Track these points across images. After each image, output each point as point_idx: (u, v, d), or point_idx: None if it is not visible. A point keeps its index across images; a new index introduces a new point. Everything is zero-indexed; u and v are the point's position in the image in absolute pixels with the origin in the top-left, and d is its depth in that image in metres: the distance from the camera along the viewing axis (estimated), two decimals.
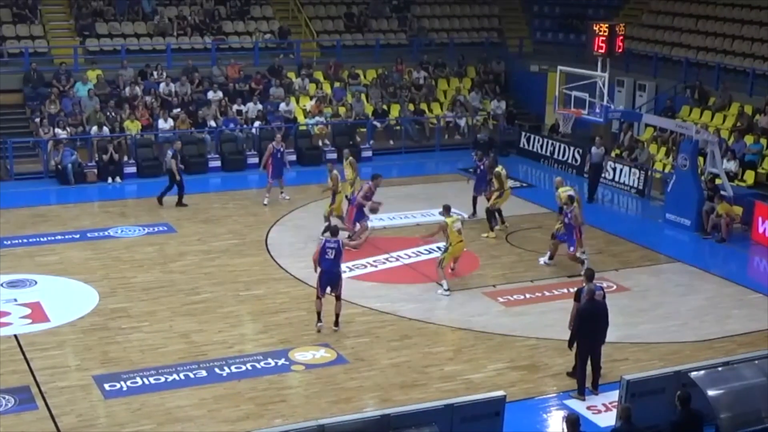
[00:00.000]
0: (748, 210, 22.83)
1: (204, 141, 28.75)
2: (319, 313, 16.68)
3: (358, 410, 13.65)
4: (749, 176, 25.37)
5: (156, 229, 22.47)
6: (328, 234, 17.29)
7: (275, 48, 33.33)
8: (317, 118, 30.31)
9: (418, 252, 21.10)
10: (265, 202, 24.33)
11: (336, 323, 16.73)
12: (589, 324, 14.27)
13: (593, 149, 25.79)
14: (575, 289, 15.37)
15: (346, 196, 22.25)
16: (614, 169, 27.07)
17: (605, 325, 14.47)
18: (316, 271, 16.75)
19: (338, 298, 16.68)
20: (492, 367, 15.54)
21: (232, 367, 15.27)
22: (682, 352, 16.21)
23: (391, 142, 31.38)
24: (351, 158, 23.60)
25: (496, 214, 22.45)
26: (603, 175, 26.38)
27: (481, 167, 23.14)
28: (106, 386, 14.54)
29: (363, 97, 31.84)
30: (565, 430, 11.29)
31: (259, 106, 30.16)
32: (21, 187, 26.20)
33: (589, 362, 14.43)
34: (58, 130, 27.32)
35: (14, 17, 30.99)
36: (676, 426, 11.76)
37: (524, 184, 26.56)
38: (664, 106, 29.31)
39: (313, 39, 33.88)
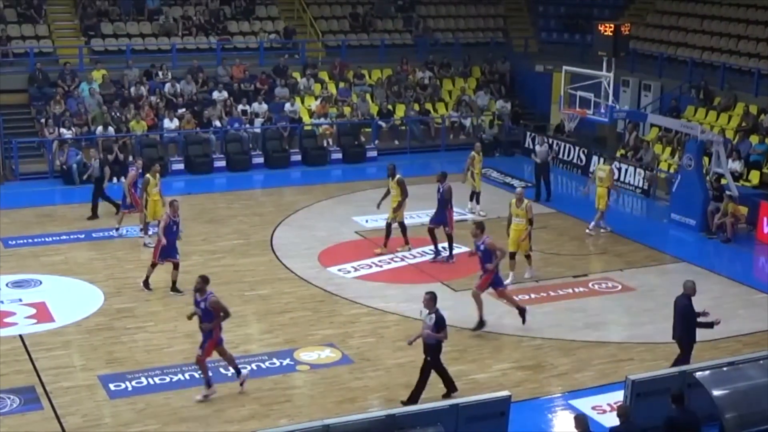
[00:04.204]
0: (753, 210, 22.79)
1: (209, 141, 28.80)
2: (148, 277, 18.42)
3: (363, 410, 13.65)
4: (754, 176, 25.33)
5: None
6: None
7: (280, 48, 33.36)
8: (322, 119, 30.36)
9: (423, 252, 21.10)
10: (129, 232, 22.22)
11: (173, 288, 18.23)
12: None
13: (537, 147, 25.51)
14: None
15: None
16: (619, 169, 27.03)
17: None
18: (162, 241, 18.05)
19: (176, 266, 18.31)
20: (497, 367, 15.53)
21: None
22: None
23: (396, 142, 31.38)
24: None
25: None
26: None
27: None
28: (111, 386, 14.56)
29: (368, 97, 31.83)
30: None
31: (265, 107, 30.18)
32: (26, 187, 26.23)
33: None
34: (63, 130, 27.36)
35: (19, 17, 31.05)
36: (670, 422, 11.61)
37: (529, 184, 26.44)
38: (669, 106, 29.26)
39: (318, 39, 33.88)
